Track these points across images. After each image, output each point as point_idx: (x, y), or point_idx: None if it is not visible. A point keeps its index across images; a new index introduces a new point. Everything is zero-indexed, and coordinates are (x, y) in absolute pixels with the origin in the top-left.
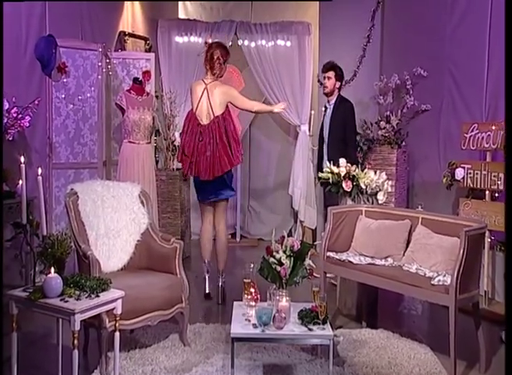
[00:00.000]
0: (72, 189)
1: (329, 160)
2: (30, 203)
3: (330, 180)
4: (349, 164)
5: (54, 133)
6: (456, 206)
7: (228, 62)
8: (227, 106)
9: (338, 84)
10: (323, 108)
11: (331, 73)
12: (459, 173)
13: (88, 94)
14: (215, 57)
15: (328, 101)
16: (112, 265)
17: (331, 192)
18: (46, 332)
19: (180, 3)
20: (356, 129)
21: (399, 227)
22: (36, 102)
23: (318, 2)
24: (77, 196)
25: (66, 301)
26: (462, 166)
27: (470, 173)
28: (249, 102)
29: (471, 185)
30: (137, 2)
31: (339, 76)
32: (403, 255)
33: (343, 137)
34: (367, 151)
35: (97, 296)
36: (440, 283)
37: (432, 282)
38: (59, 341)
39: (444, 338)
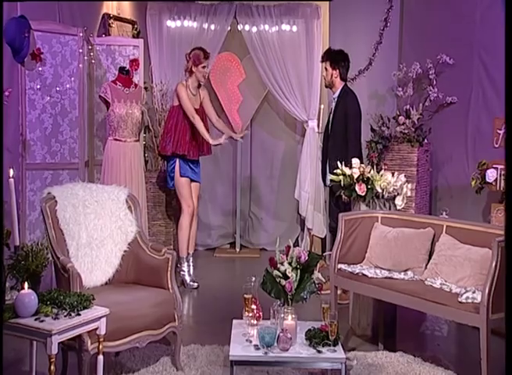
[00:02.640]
0: (49, 193)
1: (330, 160)
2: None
3: (342, 183)
4: (362, 165)
5: (28, 130)
6: (488, 213)
7: (226, 50)
8: (178, 101)
9: (336, 74)
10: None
11: (327, 64)
12: (491, 175)
13: (67, 85)
14: None
15: (334, 94)
16: (95, 279)
17: (340, 198)
18: (18, 357)
19: None
20: (359, 127)
21: (420, 236)
22: (6, 93)
23: None
24: (55, 201)
25: (42, 321)
26: (494, 166)
27: (504, 175)
28: (187, 107)
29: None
30: None
31: (336, 65)
32: (425, 267)
33: (344, 135)
34: (383, 150)
35: (78, 314)
36: (469, 300)
37: (460, 299)
38: (33, 367)
39: (475, 364)
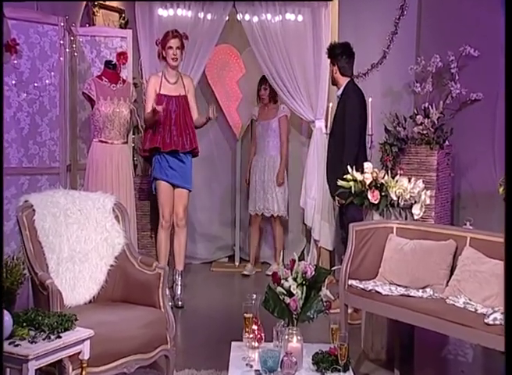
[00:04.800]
0: (26, 201)
1: (328, 165)
2: None
3: (352, 190)
4: (376, 170)
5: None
6: None
7: (224, 42)
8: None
9: (335, 69)
10: None
11: (329, 60)
12: None
13: (47, 81)
14: None
15: (338, 92)
16: (78, 297)
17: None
18: None
19: None
20: (356, 128)
21: (440, 249)
22: None
23: None
24: (33, 210)
25: (17, 345)
26: None
27: None
28: (147, 98)
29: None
30: None
31: (334, 59)
32: (447, 284)
33: (342, 137)
34: (398, 153)
35: (59, 337)
36: (497, 322)
37: (486, 320)
38: None
39: None
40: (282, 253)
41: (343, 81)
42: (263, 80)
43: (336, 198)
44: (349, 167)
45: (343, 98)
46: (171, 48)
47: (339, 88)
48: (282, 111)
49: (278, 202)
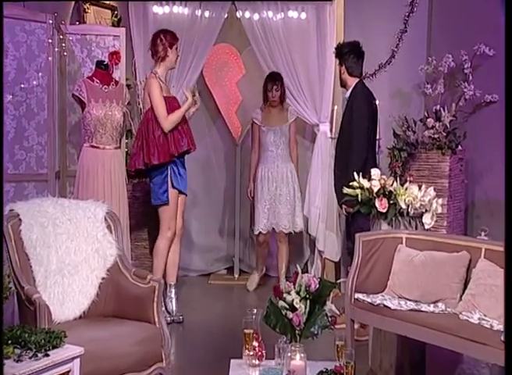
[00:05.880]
0: (11, 210)
1: (335, 171)
2: None
3: (359, 198)
4: (384, 177)
5: None
6: None
7: (223, 41)
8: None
9: (343, 70)
10: None
11: (338, 60)
12: None
13: (34, 82)
14: None
15: (345, 94)
16: (67, 312)
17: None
18: None
19: None
20: (363, 131)
21: (453, 261)
22: None
23: None
24: (19, 219)
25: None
26: None
27: None
28: (159, 108)
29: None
30: None
31: (341, 59)
32: (460, 299)
33: (348, 141)
34: (408, 158)
35: (46, 355)
36: None
37: (503, 338)
38: None
39: None
40: (284, 265)
41: (352, 82)
42: (273, 79)
43: (343, 206)
44: (355, 174)
45: (351, 100)
46: (177, 48)
47: (347, 90)
48: (294, 114)
49: (299, 216)
